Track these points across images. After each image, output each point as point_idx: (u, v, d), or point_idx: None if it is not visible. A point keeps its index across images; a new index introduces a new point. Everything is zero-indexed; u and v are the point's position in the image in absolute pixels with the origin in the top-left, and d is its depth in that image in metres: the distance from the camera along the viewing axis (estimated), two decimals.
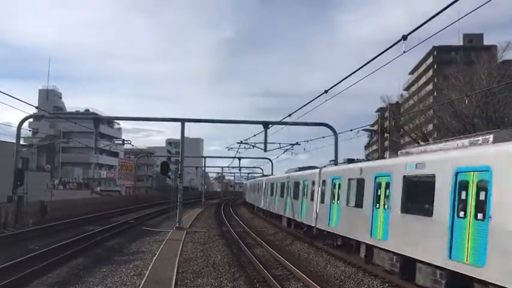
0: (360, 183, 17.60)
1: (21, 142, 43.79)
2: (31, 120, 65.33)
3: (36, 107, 37.79)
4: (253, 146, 44.16)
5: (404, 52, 13.30)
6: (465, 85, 44.74)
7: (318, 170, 24.31)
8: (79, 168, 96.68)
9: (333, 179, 21.06)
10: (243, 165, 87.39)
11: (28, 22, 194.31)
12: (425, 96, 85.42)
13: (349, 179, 18.82)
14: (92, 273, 15.33)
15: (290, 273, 16.09)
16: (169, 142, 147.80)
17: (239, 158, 65.66)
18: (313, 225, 23.37)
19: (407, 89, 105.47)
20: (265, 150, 35.99)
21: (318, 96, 22.24)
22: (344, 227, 19.16)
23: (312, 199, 24.10)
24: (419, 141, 57.04)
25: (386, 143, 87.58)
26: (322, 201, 22.30)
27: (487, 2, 10.67)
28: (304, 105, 25.36)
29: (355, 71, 16.66)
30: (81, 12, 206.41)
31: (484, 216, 10.40)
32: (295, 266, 16.81)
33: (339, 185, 20.07)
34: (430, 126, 60.73)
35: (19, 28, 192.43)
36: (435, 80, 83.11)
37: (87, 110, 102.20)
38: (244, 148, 47.05)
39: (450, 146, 13.24)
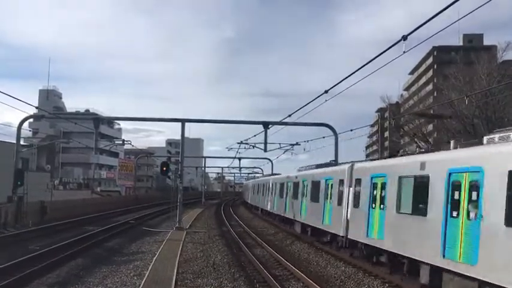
0: (421, 182, 13.43)
1: (22, 142, 43.78)
2: (31, 120, 65.23)
3: (37, 107, 37.86)
4: (254, 146, 44.22)
5: (404, 52, 13.32)
6: (465, 85, 44.76)
7: (347, 166, 19.78)
8: (79, 169, 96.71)
9: (372, 178, 16.62)
10: (243, 166, 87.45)
11: (28, 22, 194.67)
12: (425, 96, 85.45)
13: (401, 177, 14.45)
14: (92, 274, 15.33)
15: (290, 273, 16.09)
16: (170, 142, 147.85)
17: (239, 158, 65.74)
18: (341, 234, 19.07)
19: (407, 89, 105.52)
20: (265, 150, 36.03)
21: (318, 97, 22.25)
22: (393, 240, 14.56)
23: (340, 203, 19.72)
24: (419, 141, 57.16)
25: (386, 143, 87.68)
26: (356, 205, 17.90)
27: (487, 2, 10.68)
28: (305, 106, 25.35)
29: (355, 71, 16.68)
30: (81, 12, 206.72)
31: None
32: (295, 266, 16.81)
33: (383, 185, 15.69)
34: (430, 127, 60.73)
35: (19, 28, 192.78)
36: (435, 80, 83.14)
37: (87, 110, 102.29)
38: (245, 148, 47.14)
39: None
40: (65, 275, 15.06)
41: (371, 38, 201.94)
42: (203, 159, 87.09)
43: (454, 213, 11.52)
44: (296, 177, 29.47)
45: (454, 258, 11.19)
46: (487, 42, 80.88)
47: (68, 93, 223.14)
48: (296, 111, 27.54)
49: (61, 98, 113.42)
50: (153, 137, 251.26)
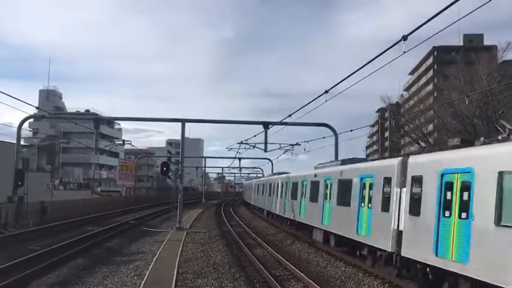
0: None
1: (22, 142, 43.81)
2: (31, 120, 65.25)
3: (37, 108, 37.87)
4: (254, 147, 44.20)
5: (404, 52, 13.33)
6: (465, 85, 44.76)
7: (397, 160, 15.34)
8: (79, 169, 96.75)
9: (443, 175, 12.36)
10: (243, 166, 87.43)
11: (28, 22, 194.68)
12: (426, 96, 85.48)
13: (503, 173, 10.17)
14: (92, 274, 15.34)
15: (290, 273, 16.10)
16: (170, 142, 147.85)
17: (239, 159, 65.73)
18: (388, 249, 14.66)
19: (407, 89, 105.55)
20: (265, 150, 36.07)
21: (319, 97, 22.23)
22: (489, 264, 10.22)
23: (386, 208, 15.27)
24: (420, 141, 57.22)
25: (387, 143, 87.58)
26: (414, 213, 13.53)
27: (487, 3, 10.69)
28: (305, 106, 25.29)
29: (356, 71, 16.67)
30: (81, 12, 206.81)
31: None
32: (296, 266, 16.82)
33: (464, 185, 11.42)
34: (431, 127, 60.75)
35: (19, 28, 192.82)
36: (435, 81, 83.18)
37: (87, 111, 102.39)
38: (245, 148, 47.14)
39: None
40: (65, 275, 15.07)
41: (371, 38, 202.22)
42: (203, 159, 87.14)
43: None
44: (315, 175, 24.63)
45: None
46: (487, 42, 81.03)
47: (68, 94, 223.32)
48: (296, 111, 27.53)
49: (61, 98, 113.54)
50: (153, 137, 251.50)
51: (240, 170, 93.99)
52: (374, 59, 15.06)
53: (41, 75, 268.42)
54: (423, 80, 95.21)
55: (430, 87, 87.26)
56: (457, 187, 11.70)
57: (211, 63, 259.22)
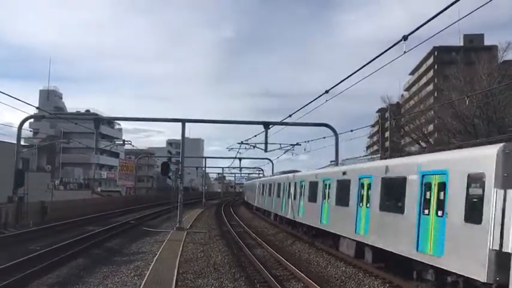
0: None
1: (22, 142, 43.83)
2: (32, 120, 65.28)
3: (37, 108, 37.88)
4: (254, 147, 44.19)
5: (404, 52, 13.31)
6: (466, 85, 44.78)
7: (495, 150, 10.69)
8: (80, 169, 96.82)
9: None
10: (243, 166, 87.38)
11: (28, 22, 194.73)
12: (426, 96, 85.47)
13: None
14: (92, 274, 15.34)
15: (291, 273, 16.09)
16: (170, 142, 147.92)
17: (240, 159, 65.69)
18: (481, 278, 10.36)
19: (407, 89, 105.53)
20: (265, 150, 36.05)
21: (319, 97, 22.18)
22: None
23: (475, 218, 10.79)
24: (420, 141, 57.20)
25: (387, 144, 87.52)
26: None
27: (487, 3, 10.68)
28: (305, 106, 25.20)
29: (356, 71, 16.64)
30: (81, 12, 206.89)
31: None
32: (296, 266, 16.80)
33: None
34: (431, 127, 60.75)
35: (19, 28, 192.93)
36: (436, 81, 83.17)
37: (87, 111, 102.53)
38: (245, 148, 47.11)
39: None
40: (65, 275, 15.06)
41: (371, 38, 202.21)
42: (203, 159, 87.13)
43: None
44: (344, 172, 20.30)
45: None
46: (487, 42, 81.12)
47: (68, 94, 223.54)
48: (296, 111, 27.46)
49: (61, 98, 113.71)
50: (154, 137, 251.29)
51: (240, 170, 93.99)
52: (374, 59, 15.04)
53: (41, 75, 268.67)
54: (423, 80, 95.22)
55: (430, 87, 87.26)
56: None
57: (211, 63, 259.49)
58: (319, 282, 14.26)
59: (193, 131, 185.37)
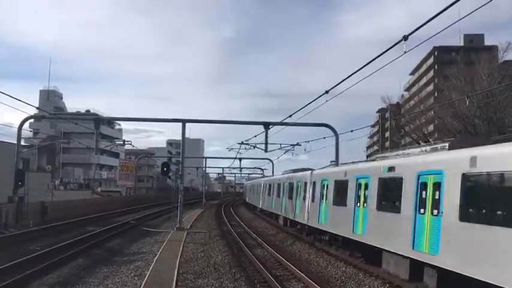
0: None
1: (22, 143, 43.84)
2: (32, 120, 65.36)
3: (37, 108, 37.90)
4: (254, 147, 44.20)
5: (405, 52, 13.35)
6: (466, 86, 44.78)
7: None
8: (80, 169, 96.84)
9: None
10: (243, 166, 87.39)
11: (28, 22, 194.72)
12: (426, 96, 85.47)
13: None
14: (93, 274, 15.34)
15: (291, 273, 16.09)
16: (170, 143, 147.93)
17: (240, 159, 65.71)
18: None
19: (408, 89, 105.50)
20: (265, 150, 36.05)
21: (319, 97, 22.19)
22: None
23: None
24: (420, 141, 57.18)
25: (387, 144, 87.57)
26: None
27: (487, 3, 10.69)
28: (305, 106, 25.16)
29: (356, 72, 16.65)
30: (81, 12, 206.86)
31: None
32: (296, 266, 16.80)
33: None
34: (431, 127, 60.73)
35: (19, 28, 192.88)
36: (436, 81, 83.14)
37: (87, 111, 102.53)
38: (245, 149, 47.13)
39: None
40: (66, 275, 15.07)
41: (371, 38, 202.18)
42: (204, 159, 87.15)
43: None
44: (391, 168, 15.46)
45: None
46: (487, 42, 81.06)
47: (69, 94, 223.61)
48: (297, 111, 27.47)
49: (62, 98, 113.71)
50: (154, 138, 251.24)
51: (240, 170, 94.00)
52: (374, 59, 15.07)
53: (41, 75, 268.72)
54: (424, 80, 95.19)
55: (430, 87, 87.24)
56: None
57: (211, 63, 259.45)
58: (319, 282, 14.26)
59: (193, 131, 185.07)
